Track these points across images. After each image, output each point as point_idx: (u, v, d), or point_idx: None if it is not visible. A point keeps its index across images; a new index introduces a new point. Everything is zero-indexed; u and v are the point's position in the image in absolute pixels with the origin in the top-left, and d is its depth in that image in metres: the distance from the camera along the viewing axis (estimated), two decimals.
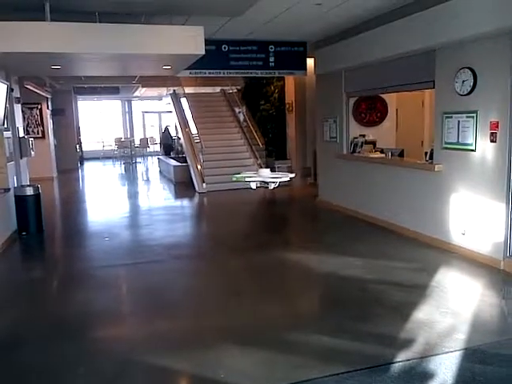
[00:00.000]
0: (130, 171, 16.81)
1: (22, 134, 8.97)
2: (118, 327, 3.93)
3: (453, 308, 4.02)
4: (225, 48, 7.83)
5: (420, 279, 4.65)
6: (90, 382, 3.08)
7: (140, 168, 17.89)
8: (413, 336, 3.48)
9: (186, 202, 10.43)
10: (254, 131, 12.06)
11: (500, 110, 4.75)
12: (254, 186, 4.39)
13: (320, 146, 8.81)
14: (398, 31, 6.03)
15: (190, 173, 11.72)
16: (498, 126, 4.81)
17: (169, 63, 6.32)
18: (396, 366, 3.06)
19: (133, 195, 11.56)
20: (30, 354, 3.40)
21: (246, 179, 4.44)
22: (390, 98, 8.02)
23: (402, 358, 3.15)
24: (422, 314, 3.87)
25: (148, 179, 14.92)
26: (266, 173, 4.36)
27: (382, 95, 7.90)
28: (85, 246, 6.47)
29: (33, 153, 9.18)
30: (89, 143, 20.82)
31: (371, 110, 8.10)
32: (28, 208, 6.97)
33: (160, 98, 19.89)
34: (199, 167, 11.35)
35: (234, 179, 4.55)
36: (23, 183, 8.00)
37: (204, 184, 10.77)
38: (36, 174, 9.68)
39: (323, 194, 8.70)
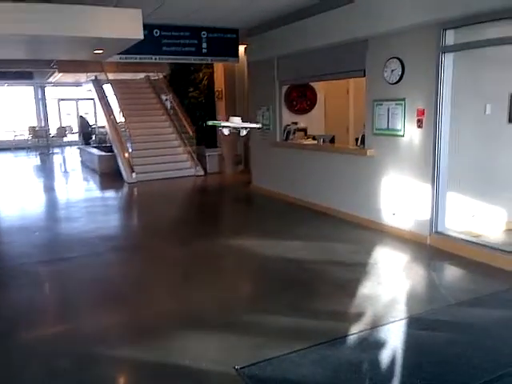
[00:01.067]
0: (47, 162, 15.83)
1: None
2: (68, 323, 3.77)
3: (392, 282, 4.35)
4: (156, 33, 7.63)
5: (359, 258, 4.95)
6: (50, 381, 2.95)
7: (58, 159, 16.92)
8: (361, 310, 3.72)
9: (115, 193, 10.10)
10: (182, 119, 11.90)
11: (426, 97, 5.14)
12: (226, 132, 4.95)
13: (253, 134, 8.92)
14: (331, 21, 6.27)
15: (116, 162, 11.33)
16: (423, 113, 5.20)
17: (102, 47, 6.05)
18: (351, 338, 3.27)
19: (57, 188, 10.95)
20: None
21: (222, 124, 5.00)
22: (319, 87, 8.31)
23: (355, 331, 3.37)
24: (365, 289, 4.14)
25: (70, 170, 14.19)
26: (237, 120, 4.95)
27: (311, 84, 8.16)
28: (13, 242, 6.05)
29: None
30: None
31: (302, 98, 8.34)
32: None
33: (77, 84, 18.89)
34: (127, 156, 11.01)
35: (210, 123, 5.31)
36: None
37: (133, 174, 10.48)
38: None
39: (257, 181, 8.86)
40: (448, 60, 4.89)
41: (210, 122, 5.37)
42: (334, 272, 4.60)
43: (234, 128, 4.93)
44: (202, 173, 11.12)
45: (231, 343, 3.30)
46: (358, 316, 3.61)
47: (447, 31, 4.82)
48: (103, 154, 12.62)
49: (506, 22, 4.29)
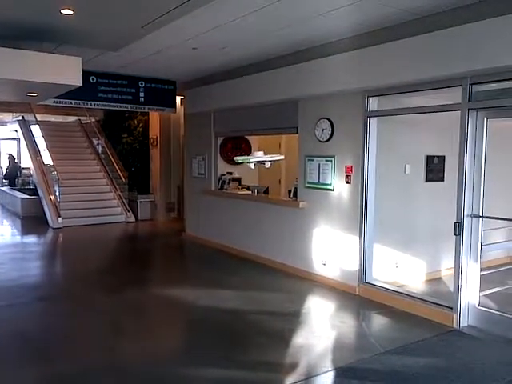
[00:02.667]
0: None
1: None
2: None
3: (323, 331, 4.48)
4: (93, 79, 7.63)
5: (291, 307, 5.06)
6: None
7: None
8: (295, 360, 3.80)
9: (39, 239, 9.58)
10: (114, 164, 11.73)
11: (353, 156, 5.54)
12: (252, 166, 6.02)
13: (188, 182, 9.00)
14: (265, 82, 6.67)
15: (41, 206, 10.84)
16: (351, 170, 5.59)
17: (36, 91, 5.94)
18: None
19: None
20: None
21: (251, 160, 6.04)
22: (253, 140, 8.64)
23: (288, 382, 3.42)
24: (299, 339, 4.24)
25: None
26: (261, 154, 6.16)
27: (246, 136, 8.48)
28: None
29: None
30: None
31: (236, 150, 8.59)
32: None
33: (1, 123, 18.04)
34: (53, 200, 10.57)
35: (240, 160, 6.24)
36: None
37: (59, 218, 10.05)
38: None
39: (190, 229, 8.85)
40: (372, 123, 5.35)
41: (240, 159, 6.29)
42: (267, 322, 4.65)
43: (260, 162, 5.87)
44: (133, 219, 10.91)
45: None
46: (292, 366, 3.67)
47: (371, 98, 5.31)
48: (26, 196, 12.03)
49: (417, 93, 4.88)
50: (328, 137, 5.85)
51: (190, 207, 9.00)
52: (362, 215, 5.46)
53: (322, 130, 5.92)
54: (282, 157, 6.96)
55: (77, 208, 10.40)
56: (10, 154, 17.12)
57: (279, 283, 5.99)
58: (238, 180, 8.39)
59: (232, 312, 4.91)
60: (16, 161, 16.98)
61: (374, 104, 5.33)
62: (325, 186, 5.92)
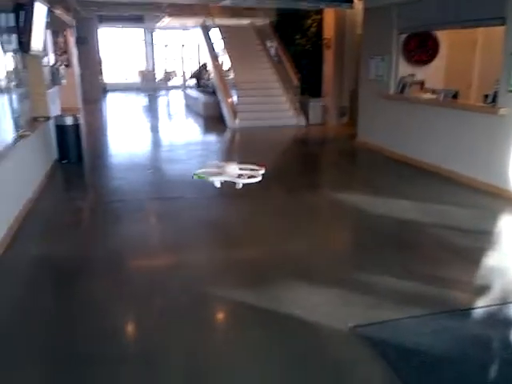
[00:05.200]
0: (154, 104, 16.51)
1: (52, 62, 8.72)
2: (181, 259, 3.91)
3: None
4: None
5: (480, 225, 4.55)
6: (164, 310, 3.10)
7: (164, 101, 17.56)
8: (486, 282, 3.43)
9: (219, 138, 10.24)
10: (287, 67, 11.60)
11: None
12: (217, 184, 3.90)
13: (363, 85, 8.45)
14: None
15: (220, 108, 11.45)
16: None
17: None
18: (477, 312, 3.02)
19: (163, 129, 11.40)
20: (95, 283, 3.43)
21: (210, 178, 3.89)
22: (442, 36, 7.55)
23: (481, 304, 3.11)
24: (490, 260, 3.80)
25: (175, 113, 14.66)
26: (232, 170, 3.89)
27: (434, 32, 7.43)
28: (128, 178, 6.41)
29: (64, 81, 8.98)
30: (111, 75, 20.34)
31: (422, 48, 7.65)
32: (68, 137, 6.88)
33: (184, 28, 19.13)
34: (231, 102, 11.05)
35: (195, 177, 3.95)
36: (57, 112, 7.87)
37: (236, 120, 10.54)
38: (63, 104, 9.40)
39: (363, 135, 8.46)
40: None
41: (198, 174, 4.08)
42: (451, 237, 4.26)
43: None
44: (303, 123, 10.89)
45: (341, 300, 3.21)
46: (484, 288, 3.32)
47: None
48: (207, 98, 12.82)
49: None
50: None
51: (363, 112, 8.53)
52: None
53: None
54: (261, 171, 4.14)
55: (251, 110, 10.72)
56: (204, 63, 18.16)
57: (465, 198, 5.41)
58: (421, 83, 7.57)
59: (410, 223, 4.62)
60: (207, 69, 17.98)
61: None
62: None
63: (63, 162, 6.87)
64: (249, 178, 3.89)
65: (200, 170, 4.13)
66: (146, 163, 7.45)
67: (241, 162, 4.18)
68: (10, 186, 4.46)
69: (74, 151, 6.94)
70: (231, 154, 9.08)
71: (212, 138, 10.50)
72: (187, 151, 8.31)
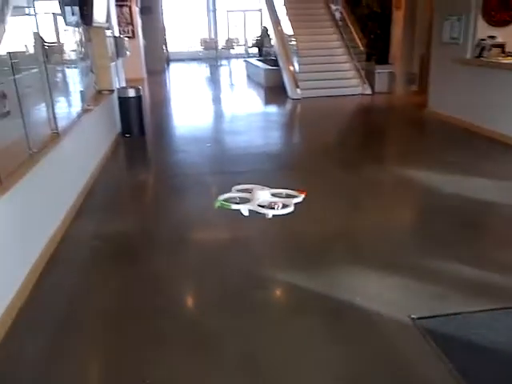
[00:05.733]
0: (216, 74, 16.45)
1: (117, 33, 8.81)
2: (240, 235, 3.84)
3: None
4: None
5: None
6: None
7: (225, 70, 17.45)
8: None
9: (280, 109, 10.02)
10: (352, 31, 11.02)
11: None
12: (245, 212, 3.49)
13: (436, 49, 7.82)
14: None
15: (281, 77, 11.16)
16: None
17: None
18: None
19: (224, 99, 11.34)
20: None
21: (234, 207, 3.46)
22: None
23: None
24: None
25: (236, 83, 14.53)
26: (262, 196, 3.36)
27: None
28: (188, 151, 6.41)
29: (128, 53, 9.09)
30: (174, 44, 20.48)
31: (503, 7, 6.90)
32: (130, 110, 6.97)
33: None
34: (292, 70, 10.72)
35: (217, 204, 3.58)
36: (121, 85, 8.00)
37: (298, 89, 10.23)
38: (127, 75, 9.54)
39: (435, 105, 7.89)
40: None
41: (218, 203, 3.70)
42: None
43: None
44: (369, 91, 10.37)
45: (404, 288, 2.99)
46: None
47: None
48: (269, 68, 12.54)
49: None
50: None
51: (435, 79, 7.93)
52: None
53: None
54: (299, 199, 3.72)
55: (314, 79, 10.36)
56: (264, 27, 17.84)
57: None
58: (502, 46, 6.86)
59: (487, 204, 4.23)
60: (268, 33, 17.64)
61: None
62: None
63: (126, 135, 7.00)
64: (283, 207, 3.48)
65: (224, 196, 3.72)
66: (206, 136, 7.43)
67: (276, 188, 3.75)
68: (75, 160, 4.59)
69: (136, 124, 7.04)
70: (294, 125, 8.85)
71: (273, 109, 10.29)
72: (247, 122, 8.18)
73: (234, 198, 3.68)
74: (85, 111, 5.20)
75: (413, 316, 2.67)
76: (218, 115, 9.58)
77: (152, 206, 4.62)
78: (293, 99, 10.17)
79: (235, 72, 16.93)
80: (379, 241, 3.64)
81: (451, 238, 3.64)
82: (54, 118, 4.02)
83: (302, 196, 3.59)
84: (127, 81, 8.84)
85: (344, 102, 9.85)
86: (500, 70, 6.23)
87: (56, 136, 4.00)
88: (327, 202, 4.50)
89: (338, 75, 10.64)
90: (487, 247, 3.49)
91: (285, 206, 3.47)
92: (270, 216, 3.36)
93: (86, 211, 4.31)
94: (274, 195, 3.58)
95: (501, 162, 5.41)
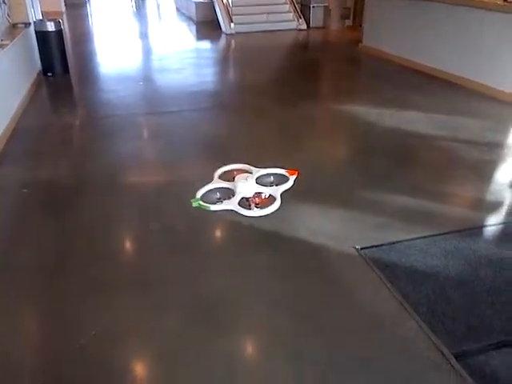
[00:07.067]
0: (142, 8, 15.37)
1: None
2: (176, 174, 3.70)
3: None
4: None
5: (495, 137, 4.30)
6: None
7: (153, 4, 16.33)
8: (499, 198, 3.26)
9: (213, 45, 9.59)
10: None
11: None
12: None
13: None
14: None
15: (214, 11, 10.61)
16: None
17: None
18: (490, 230, 2.88)
19: (153, 36, 10.64)
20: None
21: (212, 208, 3.12)
22: None
23: (493, 222, 2.96)
24: (504, 175, 3.61)
25: (165, 18, 13.67)
26: (245, 188, 3.07)
27: None
28: (118, 91, 6.00)
29: None
30: None
31: None
32: (51, 46, 6.35)
33: None
34: (225, 4, 10.21)
35: (195, 204, 3.17)
36: (38, 18, 7.24)
37: (232, 24, 9.80)
38: (42, 8, 8.55)
39: (369, 40, 7.87)
40: None
41: (196, 203, 3.18)
42: (463, 151, 4.03)
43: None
44: (304, 26, 10.15)
45: (349, 220, 3.05)
46: (497, 205, 3.16)
47: None
48: (200, 1, 11.85)
49: None
50: None
51: (370, 14, 7.86)
52: None
53: None
54: (277, 203, 3.17)
55: (249, 13, 9.95)
56: None
57: (477, 107, 5.10)
58: None
59: (419, 136, 4.36)
60: None
61: None
62: None
63: (48, 74, 6.41)
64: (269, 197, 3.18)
65: (204, 190, 3.30)
66: (136, 74, 6.99)
67: (259, 177, 3.40)
68: None
69: (59, 62, 6.45)
70: (229, 62, 8.53)
71: (206, 44, 9.83)
72: (179, 59, 7.77)
73: (214, 191, 3.29)
74: None
75: (357, 246, 2.74)
76: (148, 52, 9.01)
77: (82, 150, 4.31)
78: (227, 34, 9.76)
79: (164, 6, 15.89)
80: (320, 176, 3.65)
81: (390, 169, 3.73)
82: None
83: (293, 177, 3.35)
84: (43, 14, 8.00)
85: (279, 36, 9.59)
86: (431, 2, 6.25)
87: None
88: (266, 139, 4.43)
89: (273, 9, 10.28)
90: (423, 177, 3.61)
91: (272, 197, 3.20)
92: (252, 214, 3.09)
93: (10, 158, 3.95)
94: (259, 182, 3.33)
95: (432, 95, 5.56)
